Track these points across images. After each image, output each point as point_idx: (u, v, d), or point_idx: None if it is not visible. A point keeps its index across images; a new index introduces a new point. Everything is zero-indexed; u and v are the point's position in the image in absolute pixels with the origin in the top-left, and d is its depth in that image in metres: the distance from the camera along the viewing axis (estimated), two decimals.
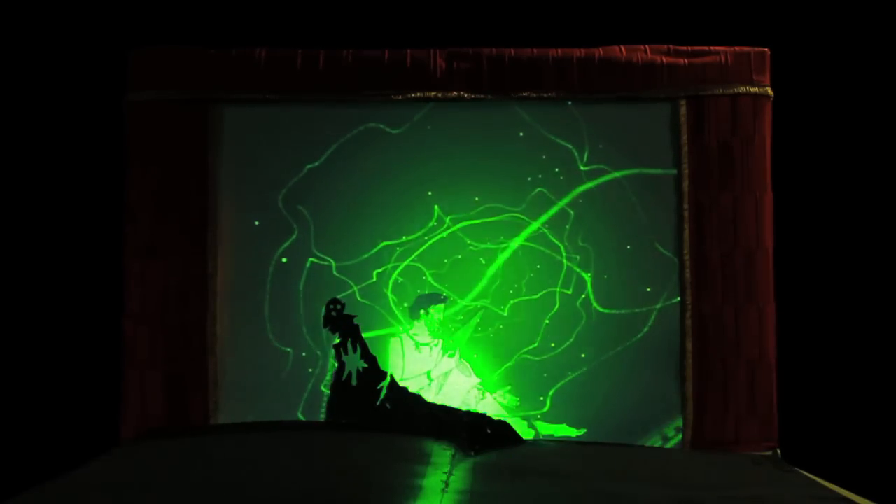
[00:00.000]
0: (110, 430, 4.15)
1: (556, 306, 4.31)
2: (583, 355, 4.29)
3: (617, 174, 4.31)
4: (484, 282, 4.33)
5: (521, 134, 4.32)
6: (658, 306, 4.29)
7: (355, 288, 4.30)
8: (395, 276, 4.33)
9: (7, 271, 4.34)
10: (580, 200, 4.32)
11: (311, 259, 4.29)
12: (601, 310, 4.30)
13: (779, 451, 4.20)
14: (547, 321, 4.30)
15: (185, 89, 4.26)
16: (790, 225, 4.36)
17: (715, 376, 4.23)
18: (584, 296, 4.31)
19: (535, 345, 4.30)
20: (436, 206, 4.33)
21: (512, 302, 4.32)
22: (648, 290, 4.30)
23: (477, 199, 4.33)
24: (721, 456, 4.05)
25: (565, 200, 4.33)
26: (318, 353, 4.28)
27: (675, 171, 4.30)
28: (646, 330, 4.29)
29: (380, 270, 4.31)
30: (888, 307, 4.37)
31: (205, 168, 4.27)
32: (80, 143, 4.38)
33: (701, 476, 3.46)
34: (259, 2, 4.41)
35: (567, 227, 4.32)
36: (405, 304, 4.33)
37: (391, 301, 4.32)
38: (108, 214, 4.30)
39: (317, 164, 4.31)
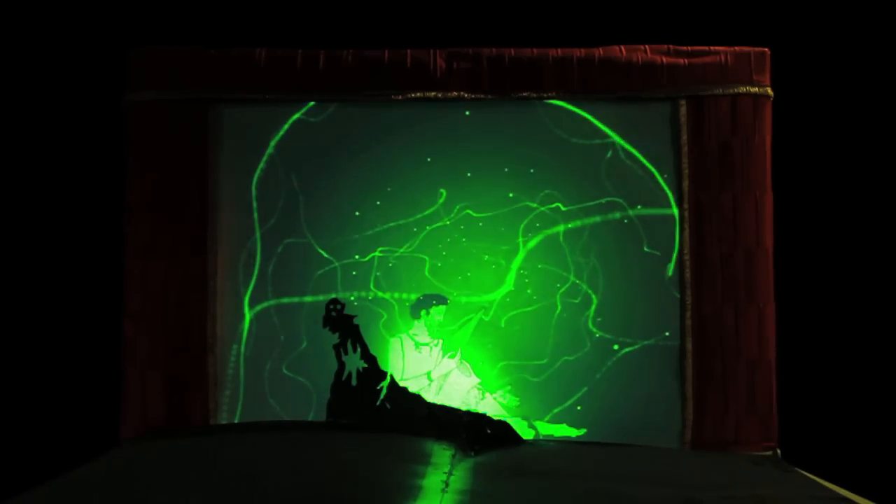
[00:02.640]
0: (110, 430, 4.15)
1: (557, 312, 4.31)
2: (582, 390, 4.28)
3: (630, 212, 4.31)
4: (504, 288, 4.32)
5: (556, 133, 4.30)
6: (652, 342, 4.28)
7: (337, 263, 4.29)
8: (375, 253, 4.31)
9: (7, 271, 4.34)
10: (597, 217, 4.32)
11: (286, 240, 4.28)
12: (602, 334, 4.28)
13: (779, 451, 4.20)
14: (551, 340, 4.29)
15: (185, 89, 4.26)
16: (790, 225, 4.35)
17: (715, 376, 4.23)
18: (586, 316, 4.29)
19: (542, 361, 4.28)
20: (443, 191, 4.32)
21: (512, 313, 4.32)
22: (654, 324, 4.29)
23: (505, 192, 4.32)
24: (721, 456, 4.05)
25: (590, 220, 4.32)
26: (282, 337, 4.27)
27: (675, 211, 4.29)
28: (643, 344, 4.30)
29: (377, 254, 4.30)
30: (888, 307, 4.37)
31: (205, 168, 4.27)
32: (80, 143, 4.38)
33: (701, 476, 3.46)
34: (259, 2, 4.41)
35: (583, 237, 4.32)
36: (398, 296, 4.32)
37: (372, 282, 4.30)
38: (108, 214, 4.30)
39: (313, 120, 4.31)
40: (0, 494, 3.04)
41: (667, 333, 4.27)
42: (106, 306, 4.27)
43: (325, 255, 4.29)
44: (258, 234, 4.29)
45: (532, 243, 4.32)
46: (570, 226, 4.31)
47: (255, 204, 4.30)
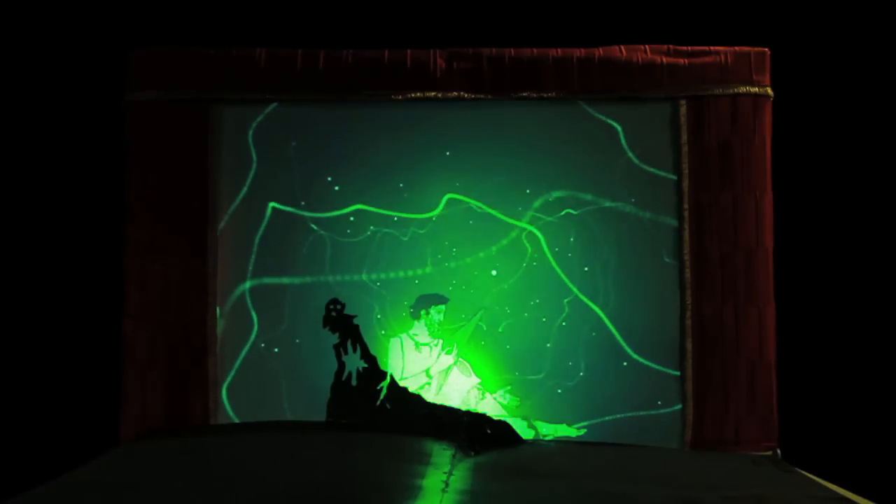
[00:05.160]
0: (110, 430, 4.15)
1: (560, 320, 4.30)
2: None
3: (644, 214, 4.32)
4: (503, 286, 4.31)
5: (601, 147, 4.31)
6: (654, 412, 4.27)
7: (318, 228, 4.30)
8: (374, 232, 4.31)
9: (7, 271, 4.34)
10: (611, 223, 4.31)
11: (283, 233, 4.30)
12: (606, 346, 4.28)
13: (779, 451, 4.20)
14: (550, 351, 4.28)
15: (186, 89, 4.26)
16: (790, 225, 4.35)
17: (715, 376, 4.23)
18: (588, 326, 4.28)
19: (538, 376, 4.28)
20: (446, 185, 4.32)
21: (510, 320, 4.31)
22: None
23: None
24: (721, 456, 4.05)
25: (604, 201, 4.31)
26: (260, 318, 4.29)
27: (676, 223, 4.29)
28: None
29: (376, 236, 4.30)
30: (888, 307, 4.37)
31: (205, 168, 4.27)
32: (80, 142, 4.38)
33: (701, 476, 3.46)
34: (259, 2, 4.41)
35: (587, 237, 4.31)
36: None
37: (363, 277, 4.30)
38: (108, 214, 4.30)
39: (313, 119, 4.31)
40: (0, 494, 3.04)
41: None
42: (106, 306, 4.27)
43: (316, 229, 4.29)
44: (241, 208, 4.30)
45: (535, 225, 4.32)
46: (572, 225, 4.32)
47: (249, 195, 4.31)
